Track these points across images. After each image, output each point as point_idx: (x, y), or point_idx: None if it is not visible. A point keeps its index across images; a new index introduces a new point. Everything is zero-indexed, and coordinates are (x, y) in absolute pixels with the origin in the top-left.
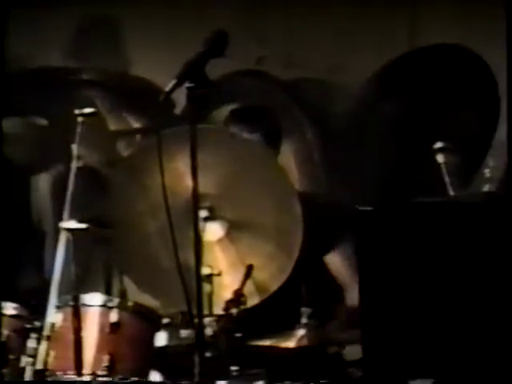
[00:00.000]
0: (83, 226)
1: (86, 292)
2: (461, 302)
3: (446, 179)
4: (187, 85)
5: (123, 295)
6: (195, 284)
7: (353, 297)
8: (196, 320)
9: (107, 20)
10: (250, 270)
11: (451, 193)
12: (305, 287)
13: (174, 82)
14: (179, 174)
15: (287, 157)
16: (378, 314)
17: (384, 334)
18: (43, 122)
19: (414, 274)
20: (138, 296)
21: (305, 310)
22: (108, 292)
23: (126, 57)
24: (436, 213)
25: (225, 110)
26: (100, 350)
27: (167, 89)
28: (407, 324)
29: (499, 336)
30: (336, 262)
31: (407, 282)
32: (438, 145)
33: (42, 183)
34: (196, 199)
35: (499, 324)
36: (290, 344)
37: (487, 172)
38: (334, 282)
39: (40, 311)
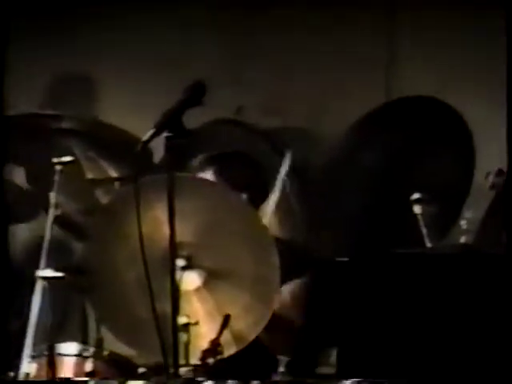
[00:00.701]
0: (59, 274)
1: (62, 341)
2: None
3: (423, 230)
4: (165, 134)
5: (100, 344)
6: (177, 333)
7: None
8: (172, 370)
9: (82, 72)
10: (227, 319)
11: (428, 244)
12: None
13: (152, 131)
14: (157, 222)
15: (266, 206)
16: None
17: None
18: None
19: (388, 322)
20: (115, 345)
21: (282, 359)
22: (85, 341)
23: (101, 107)
24: (411, 264)
25: (203, 159)
26: None
27: (145, 138)
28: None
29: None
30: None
31: (381, 329)
32: (415, 196)
33: (21, 231)
34: (173, 248)
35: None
36: None
37: (464, 224)
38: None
39: (15, 360)
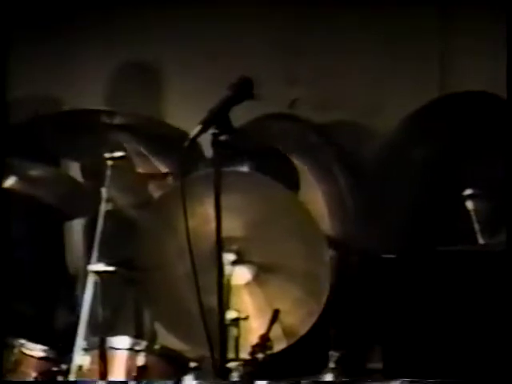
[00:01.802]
0: (111, 268)
1: (116, 334)
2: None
3: (476, 227)
4: (212, 131)
5: (153, 338)
6: (224, 328)
7: None
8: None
9: (142, 65)
10: (276, 314)
11: (481, 241)
12: (333, 331)
13: (198, 128)
14: (207, 217)
15: (319, 201)
16: (399, 367)
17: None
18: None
19: (434, 320)
20: (168, 338)
21: (333, 354)
22: (138, 335)
23: (159, 103)
24: (458, 261)
25: (254, 153)
26: None
27: (192, 135)
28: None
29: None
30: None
31: (427, 326)
32: (468, 191)
33: (75, 227)
34: (220, 244)
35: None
36: None
37: None
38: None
39: (68, 353)
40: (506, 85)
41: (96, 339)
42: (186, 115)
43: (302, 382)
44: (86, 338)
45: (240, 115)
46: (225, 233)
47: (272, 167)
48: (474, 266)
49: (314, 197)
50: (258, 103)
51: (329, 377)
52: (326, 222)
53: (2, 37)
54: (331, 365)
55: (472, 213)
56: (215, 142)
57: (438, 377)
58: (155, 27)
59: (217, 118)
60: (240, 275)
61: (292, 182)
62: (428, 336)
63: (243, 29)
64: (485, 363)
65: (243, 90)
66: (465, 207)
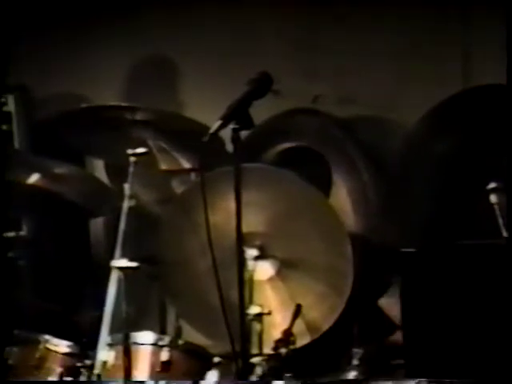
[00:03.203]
0: (134, 264)
1: (140, 330)
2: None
3: (500, 220)
4: (232, 126)
5: (178, 333)
6: (244, 323)
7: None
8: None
9: (160, 60)
10: (298, 309)
11: (505, 234)
12: (357, 328)
13: (218, 123)
14: (230, 212)
15: (342, 196)
16: (420, 354)
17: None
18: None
19: (456, 314)
20: (193, 334)
21: (356, 351)
22: (162, 330)
23: (179, 98)
24: (481, 255)
25: (279, 149)
26: None
27: (212, 130)
28: (450, 363)
29: None
30: (389, 303)
31: (450, 322)
32: (492, 185)
33: (100, 223)
34: (240, 239)
35: None
36: None
37: None
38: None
39: (92, 349)
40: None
41: (120, 335)
42: (203, 112)
43: (319, 380)
44: (111, 334)
45: (263, 111)
46: (248, 228)
47: (304, 166)
48: (497, 260)
49: (338, 192)
50: (280, 99)
51: (352, 374)
52: (349, 217)
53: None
54: (355, 362)
55: (496, 206)
56: (235, 138)
57: (459, 373)
58: (170, 24)
59: (236, 113)
60: (263, 270)
61: (324, 182)
62: (450, 332)
63: (261, 27)
64: (503, 361)
65: (263, 85)
66: (489, 201)
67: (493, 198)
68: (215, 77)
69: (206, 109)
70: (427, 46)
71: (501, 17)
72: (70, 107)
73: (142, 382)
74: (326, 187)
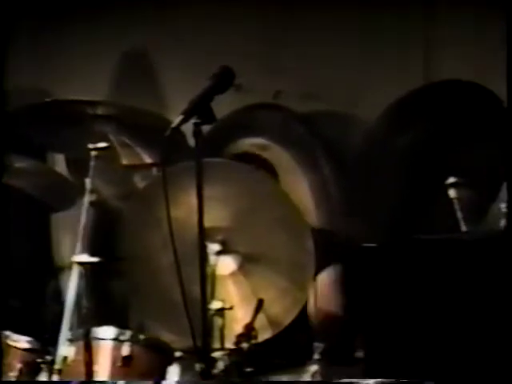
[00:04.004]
0: (95, 259)
1: (101, 325)
2: (464, 344)
3: (459, 215)
4: (193, 120)
5: (141, 329)
6: (206, 318)
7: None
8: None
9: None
10: (260, 304)
11: (464, 229)
12: (316, 322)
13: (180, 117)
14: (192, 207)
15: (304, 191)
16: (381, 355)
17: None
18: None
19: (417, 310)
20: (155, 329)
21: (317, 346)
22: (125, 325)
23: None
24: (438, 250)
25: (241, 144)
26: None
27: (173, 125)
28: (411, 358)
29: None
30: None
31: (410, 318)
32: (451, 180)
33: (60, 218)
34: (202, 234)
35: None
36: (302, 380)
37: (503, 207)
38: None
39: (53, 344)
40: (506, 86)
41: (81, 330)
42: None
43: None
44: (71, 329)
45: (225, 106)
46: (210, 223)
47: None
48: (456, 255)
49: (299, 187)
50: (243, 94)
51: (314, 368)
52: (310, 212)
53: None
54: (316, 356)
55: (455, 201)
56: (197, 132)
57: (419, 368)
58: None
59: (198, 108)
60: (225, 265)
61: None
62: (410, 325)
63: (224, 23)
64: (465, 359)
65: (225, 80)
66: (447, 196)
67: (452, 193)
68: (177, 72)
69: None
70: (389, 43)
71: (465, 9)
72: (31, 101)
73: (103, 381)
74: None
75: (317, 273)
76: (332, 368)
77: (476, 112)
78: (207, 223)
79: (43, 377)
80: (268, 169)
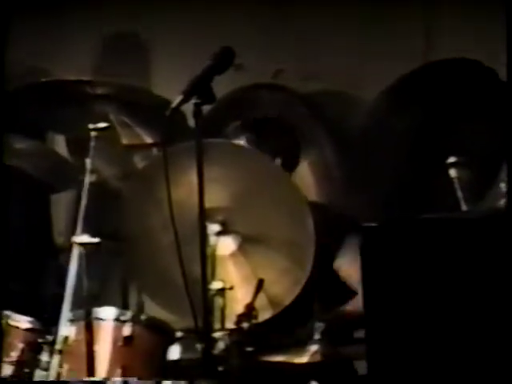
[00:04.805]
0: (95, 240)
1: (103, 305)
2: (466, 323)
3: (459, 194)
4: (193, 101)
5: (141, 309)
6: (207, 298)
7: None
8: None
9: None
10: (260, 284)
11: (464, 208)
12: (317, 301)
13: (180, 97)
14: (192, 187)
15: (304, 171)
16: (382, 330)
17: (389, 349)
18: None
19: (418, 291)
20: (155, 309)
21: (318, 326)
22: (125, 306)
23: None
24: (440, 229)
25: (236, 125)
26: (113, 363)
27: (173, 105)
28: (411, 339)
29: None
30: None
31: (411, 299)
32: (451, 159)
33: (61, 198)
34: (202, 214)
35: (502, 338)
36: (303, 360)
37: (503, 186)
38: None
39: (54, 324)
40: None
41: (82, 310)
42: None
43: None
44: (72, 309)
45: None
46: (210, 203)
47: (271, 138)
48: (457, 234)
49: (301, 167)
50: (243, 74)
51: (314, 347)
52: (311, 192)
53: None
54: (316, 336)
55: (455, 180)
56: (197, 112)
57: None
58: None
59: (198, 88)
60: (225, 246)
61: (293, 153)
62: (410, 305)
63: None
64: (467, 331)
65: (224, 60)
66: (448, 175)
67: (452, 172)
68: (177, 51)
69: (170, 84)
70: (389, 21)
71: None
72: (30, 81)
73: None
74: (294, 159)
75: (317, 252)
76: (332, 348)
77: (477, 90)
78: (207, 204)
79: (45, 357)
80: None
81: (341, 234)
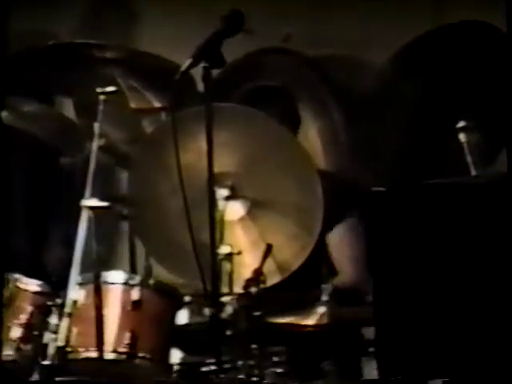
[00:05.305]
0: (104, 204)
1: (111, 269)
2: (472, 288)
3: (469, 159)
4: (203, 64)
5: (148, 272)
6: (216, 263)
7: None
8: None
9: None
10: (269, 249)
11: (473, 172)
12: (325, 264)
13: (189, 61)
14: (201, 152)
15: (312, 136)
16: (389, 299)
17: (396, 331)
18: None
19: (423, 255)
20: (163, 273)
21: (325, 287)
22: (133, 270)
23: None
24: (448, 194)
25: (250, 87)
26: (122, 327)
27: (182, 68)
28: (418, 302)
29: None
30: (334, 239)
31: (416, 263)
32: (461, 124)
33: (70, 162)
34: (211, 180)
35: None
36: (310, 321)
37: None
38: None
39: (63, 288)
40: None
41: (91, 274)
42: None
43: None
44: (81, 273)
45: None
46: (219, 168)
47: (272, 104)
48: (465, 198)
49: (309, 132)
50: (252, 38)
51: (322, 309)
52: (319, 157)
53: None
54: (324, 297)
55: (465, 145)
56: (206, 76)
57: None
58: None
59: (207, 52)
60: (233, 210)
61: (293, 119)
62: (416, 268)
63: None
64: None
65: (234, 23)
66: (458, 140)
67: (462, 137)
68: (185, 16)
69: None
70: None
71: None
72: (36, 44)
73: None
74: (293, 126)
75: (326, 218)
76: (340, 309)
77: (485, 53)
78: (216, 168)
79: (54, 319)
80: None
81: (345, 203)
